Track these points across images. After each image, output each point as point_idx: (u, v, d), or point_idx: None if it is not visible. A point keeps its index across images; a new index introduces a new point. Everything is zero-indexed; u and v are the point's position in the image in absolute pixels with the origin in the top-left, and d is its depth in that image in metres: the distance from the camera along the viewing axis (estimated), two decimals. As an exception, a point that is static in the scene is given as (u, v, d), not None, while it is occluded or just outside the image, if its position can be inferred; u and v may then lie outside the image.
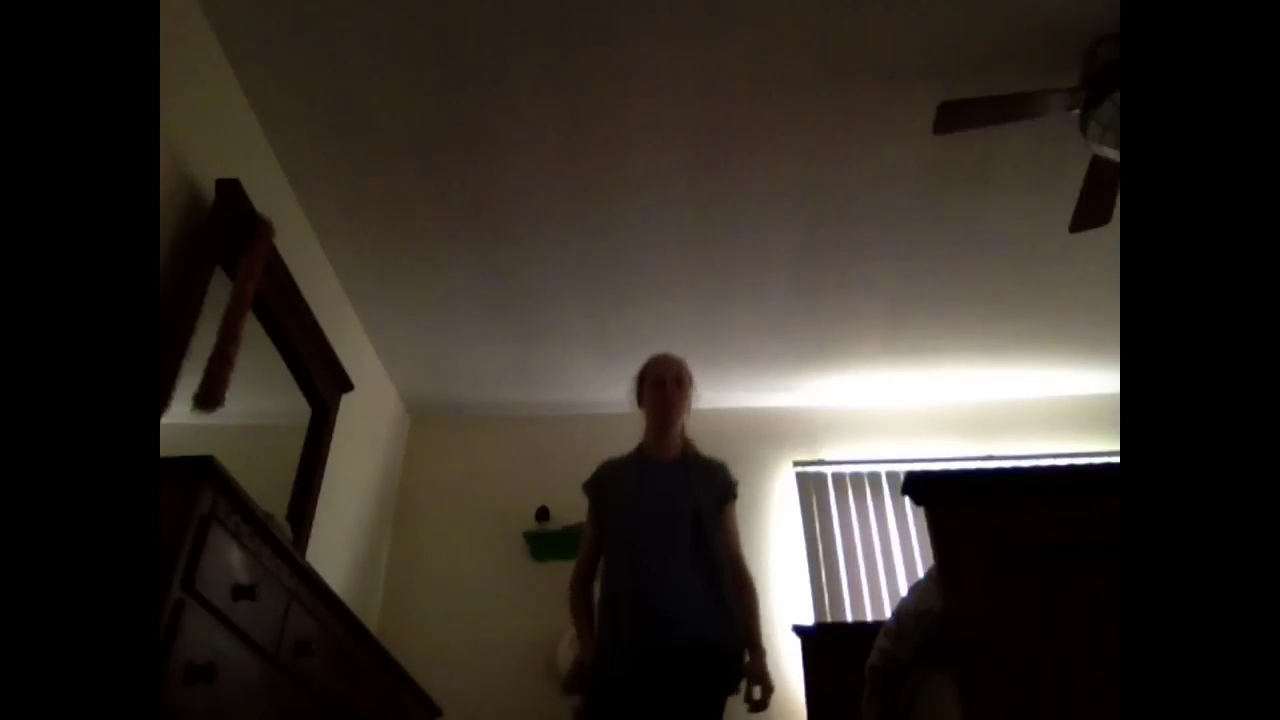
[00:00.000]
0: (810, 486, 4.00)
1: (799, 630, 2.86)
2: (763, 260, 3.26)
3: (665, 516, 2.19)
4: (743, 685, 2.12)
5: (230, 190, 2.29)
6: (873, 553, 3.79)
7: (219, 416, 2.13)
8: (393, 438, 4.03)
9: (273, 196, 2.70)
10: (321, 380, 2.98)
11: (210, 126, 2.35)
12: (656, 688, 2.03)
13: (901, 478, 1.41)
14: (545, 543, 3.71)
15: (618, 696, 2.08)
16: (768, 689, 2.06)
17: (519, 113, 2.61)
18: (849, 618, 3.60)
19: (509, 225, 3.06)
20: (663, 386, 2.38)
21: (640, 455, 2.40)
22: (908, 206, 3.01)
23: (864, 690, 1.70)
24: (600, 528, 2.32)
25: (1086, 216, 2.75)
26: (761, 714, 2.11)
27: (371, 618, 3.58)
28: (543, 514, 3.74)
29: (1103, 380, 4.04)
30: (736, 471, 2.40)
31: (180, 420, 2.03)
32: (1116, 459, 2.99)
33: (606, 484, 2.37)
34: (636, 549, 2.17)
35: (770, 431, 4.02)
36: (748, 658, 2.15)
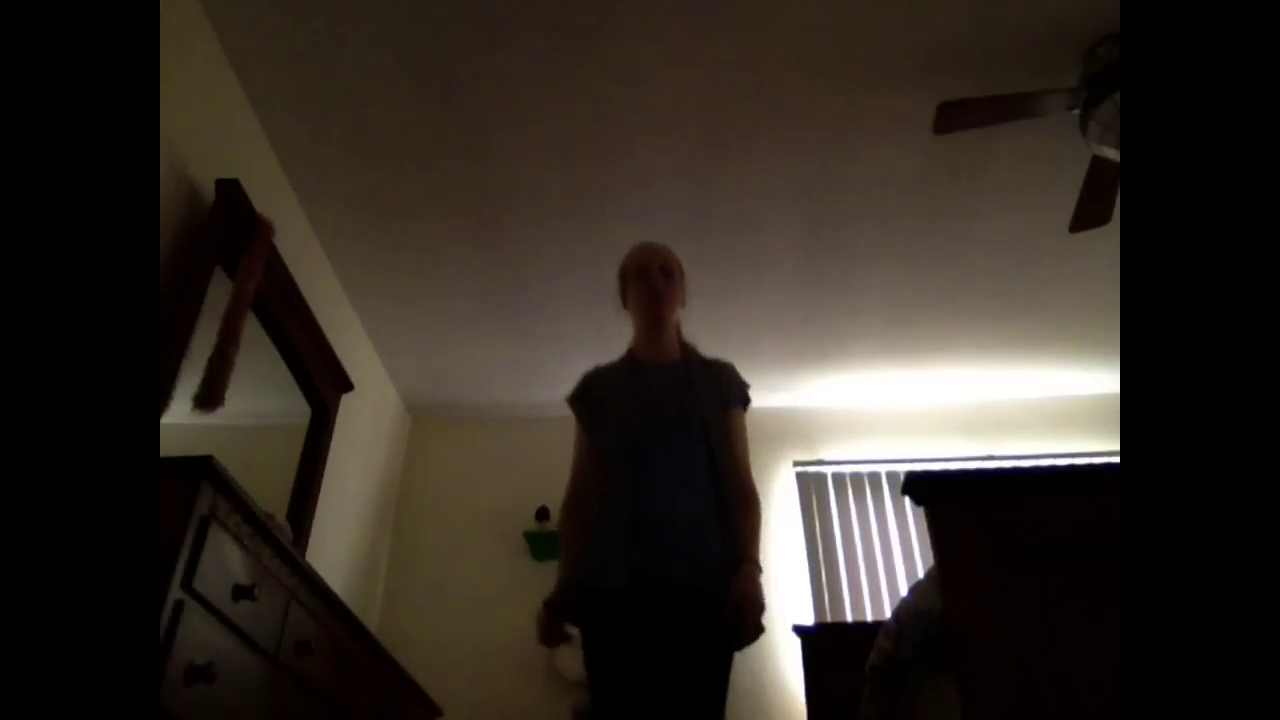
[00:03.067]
0: (810, 486, 4.00)
1: (799, 630, 2.86)
2: (762, 260, 3.26)
3: (669, 430, 1.89)
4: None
5: (230, 190, 2.29)
6: (873, 553, 3.79)
7: (219, 416, 2.13)
8: (393, 438, 4.03)
9: (273, 196, 2.70)
10: (321, 380, 2.98)
11: (210, 126, 2.35)
12: (656, 619, 1.71)
13: (901, 478, 1.40)
14: (545, 543, 3.71)
15: (616, 615, 1.73)
16: (756, 606, 1.69)
17: (519, 113, 2.61)
18: (849, 618, 3.60)
19: (509, 225, 3.06)
20: (647, 277, 2.03)
21: (632, 360, 2.05)
22: (908, 206, 3.01)
23: (864, 690, 1.70)
24: (592, 446, 1.98)
25: (1086, 216, 2.75)
26: (761, 707, 2.01)
27: (371, 618, 3.58)
28: (543, 514, 3.74)
29: (1103, 380, 4.04)
30: None
31: (180, 420, 2.04)
32: (1116, 459, 2.99)
33: (596, 396, 2.03)
34: (637, 469, 1.84)
35: (770, 431, 4.02)
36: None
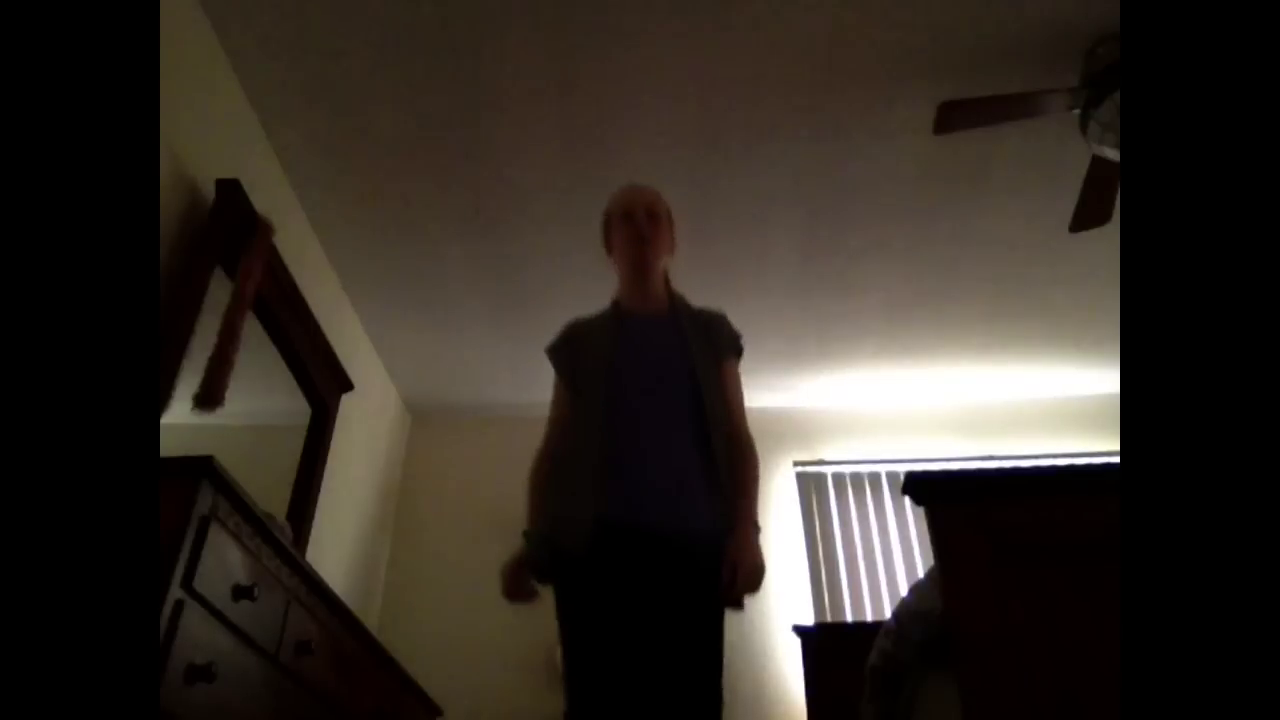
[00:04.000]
0: (810, 486, 4.00)
1: (799, 630, 2.87)
2: (763, 260, 3.26)
3: (653, 379, 1.77)
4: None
5: (230, 190, 2.30)
6: (873, 553, 3.79)
7: (219, 416, 2.13)
8: (393, 438, 4.03)
9: (273, 196, 2.70)
10: (321, 380, 2.98)
11: (210, 126, 2.35)
12: (631, 573, 1.58)
13: (901, 478, 1.40)
14: (545, 543, 3.70)
15: (586, 575, 1.60)
16: (756, 568, 1.57)
17: (519, 113, 2.61)
18: (849, 618, 3.60)
19: (509, 225, 3.06)
20: (633, 221, 1.89)
21: (617, 311, 1.92)
22: (908, 206, 3.01)
23: (864, 690, 1.70)
24: (570, 397, 1.86)
25: (1086, 216, 2.75)
26: (761, 707, 1.94)
27: (371, 618, 3.58)
28: (543, 514, 3.74)
29: (1103, 380, 4.04)
30: None
31: (180, 420, 2.04)
32: (1116, 459, 2.99)
33: (577, 345, 1.90)
34: (614, 418, 1.71)
35: (770, 431, 4.01)
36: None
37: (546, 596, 1.72)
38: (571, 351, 1.91)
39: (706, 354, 1.82)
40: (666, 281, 1.96)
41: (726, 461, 1.71)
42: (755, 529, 1.63)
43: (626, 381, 1.76)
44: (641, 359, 1.80)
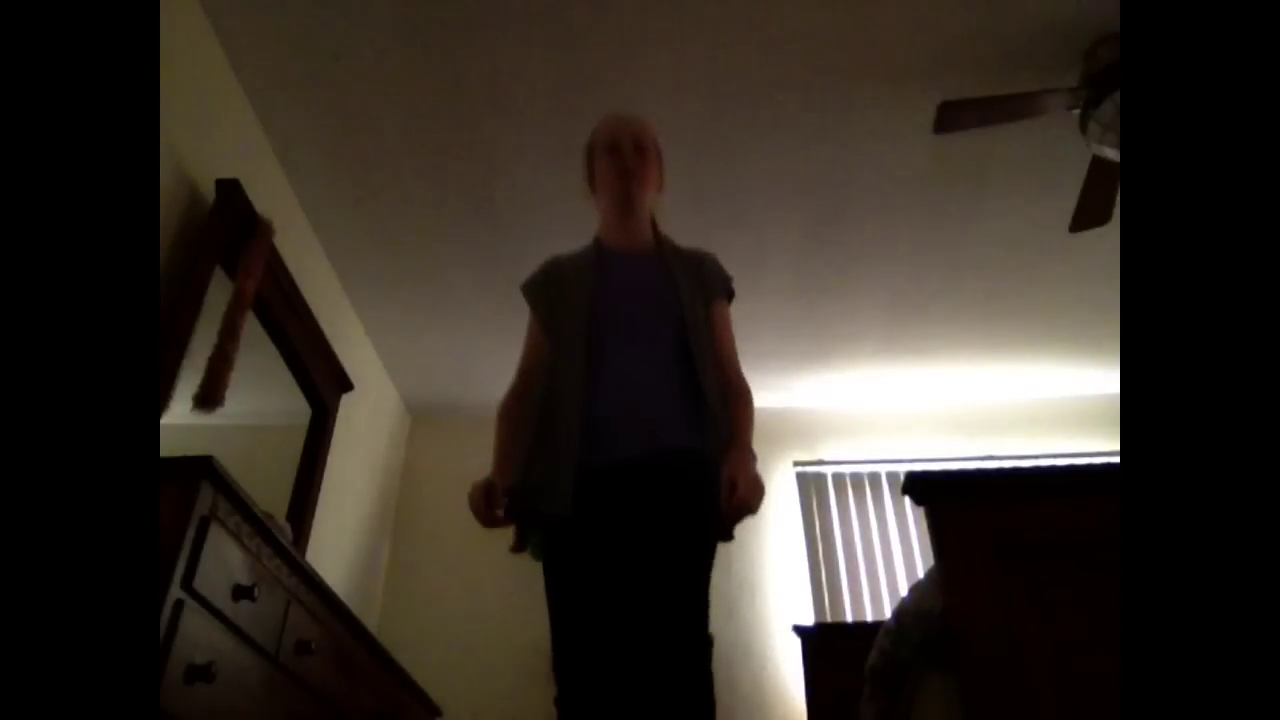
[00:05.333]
0: (810, 486, 4.00)
1: (799, 630, 2.87)
2: (762, 259, 3.26)
3: (635, 318, 1.66)
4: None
5: (230, 190, 2.30)
6: (873, 553, 3.79)
7: (219, 416, 2.13)
8: (393, 438, 4.03)
9: (273, 196, 2.70)
10: (321, 380, 2.98)
11: (210, 126, 2.35)
12: (614, 518, 1.48)
13: (901, 478, 1.40)
14: (545, 543, 3.70)
15: (566, 535, 1.52)
16: (756, 482, 1.47)
17: (520, 113, 2.61)
18: (849, 618, 3.60)
19: (509, 225, 3.06)
20: (618, 153, 1.77)
21: (599, 249, 1.80)
22: (908, 206, 3.01)
23: (864, 690, 1.70)
24: (546, 337, 1.73)
25: (1086, 216, 2.75)
26: (761, 707, 1.88)
27: (371, 618, 3.58)
28: (543, 514, 3.73)
29: (1103, 380, 4.04)
30: None
31: (180, 420, 2.04)
32: (1116, 459, 2.99)
33: (556, 282, 1.78)
34: (592, 360, 1.60)
35: (770, 431, 4.01)
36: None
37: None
38: (549, 289, 1.78)
39: (695, 293, 1.70)
40: (653, 222, 1.83)
41: (719, 405, 1.60)
42: (752, 455, 1.53)
43: (609, 321, 1.65)
44: (625, 297, 1.69)
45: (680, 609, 1.38)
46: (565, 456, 1.53)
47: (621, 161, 1.77)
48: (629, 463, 1.52)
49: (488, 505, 1.56)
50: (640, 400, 1.57)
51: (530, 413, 1.65)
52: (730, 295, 1.80)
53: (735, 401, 1.64)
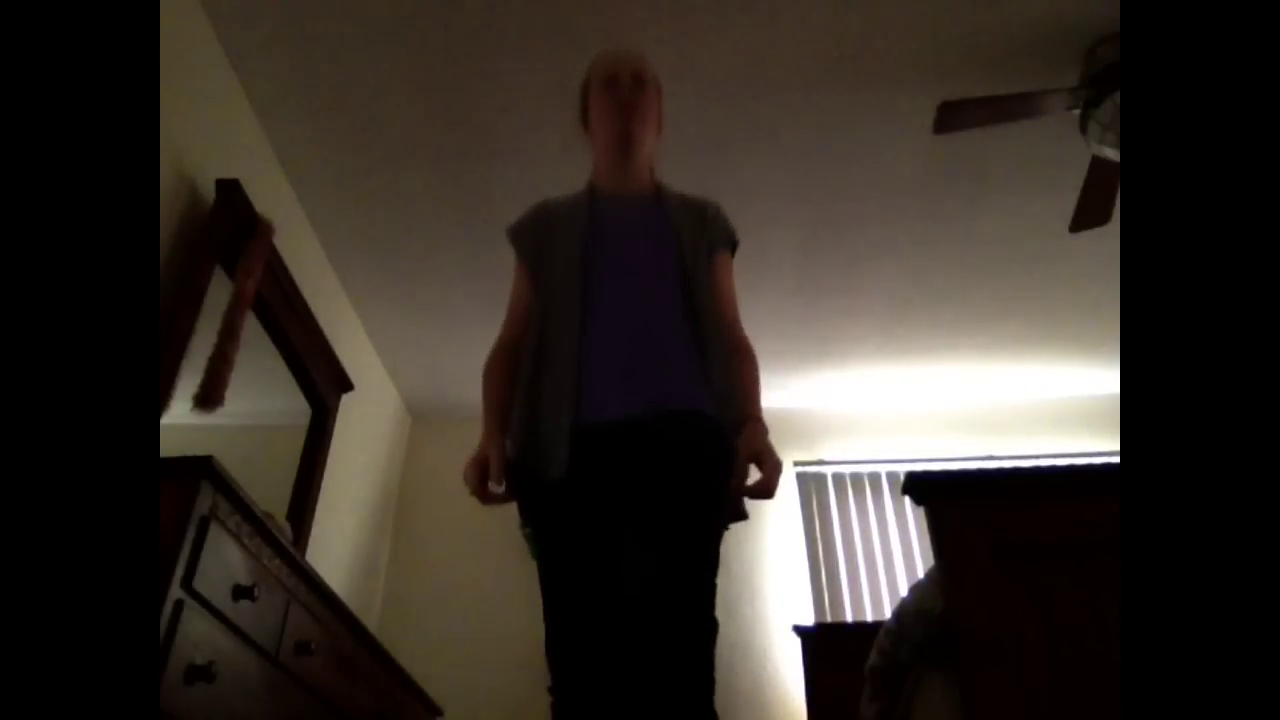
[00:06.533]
0: (810, 486, 4.00)
1: (799, 630, 2.87)
2: (763, 260, 3.26)
3: (630, 263, 1.53)
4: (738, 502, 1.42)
5: (230, 190, 2.30)
6: (873, 553, 3.79)
7: (219, 416, 2.13)
8: (393, 438, 4.03)
9: (273, 196, 2.70)
10: (321, 380, 2.98)
11: (210, 126, 2.35)
12: (614, 494, 1.36)
13: (901, 478, 1.40)
14: (545, 543, 3.70)
15: (562, 503, 1.37)
16: (774, 464, 1.35)
17: (519, 113, 2.61)
18: (849, 618, 3.60)
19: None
20: (617, 88, 1.63)
21: (592, 192, 1.67)
22: (908, 206, 3.01)
23: (864, 690, 1.70)
24: (534, 284, 1.59)
25: (1086, 216, 2.75)
26: (761, 707, 1.80)
27: (371, 618, 3.58)
28: (543, 514, 3.73)
29: (1103, 380, 4.04)
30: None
31: (180, 420, 2.04)
32: (1116, 459, 2.98)
33: (545, 226, 1.64)
34: (589, 302, 1.48)
35: (770, 431, 4.01)
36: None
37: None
38: (538, 233, 1.64)
39: (698, 241, 1.58)
40: (651, 166, 1.70)
41: (722, 361, 1.48)
42: (765, 428, 1.41)
43: (603, 266, 1.52)
44: (621, 241, 1.56)
45: (686, 592, 1.27)
46: (557, 414, 1.39)
47: (620, 94, 1.63)
48: (631, 421, 1.37)
49: (483, 479, 1.42)
50: (640, 351, 1.43)
51: (519, 370, 1.50)
52: (733, 247, 1.67)
53: (742, 361, 1.52)
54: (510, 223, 1.72)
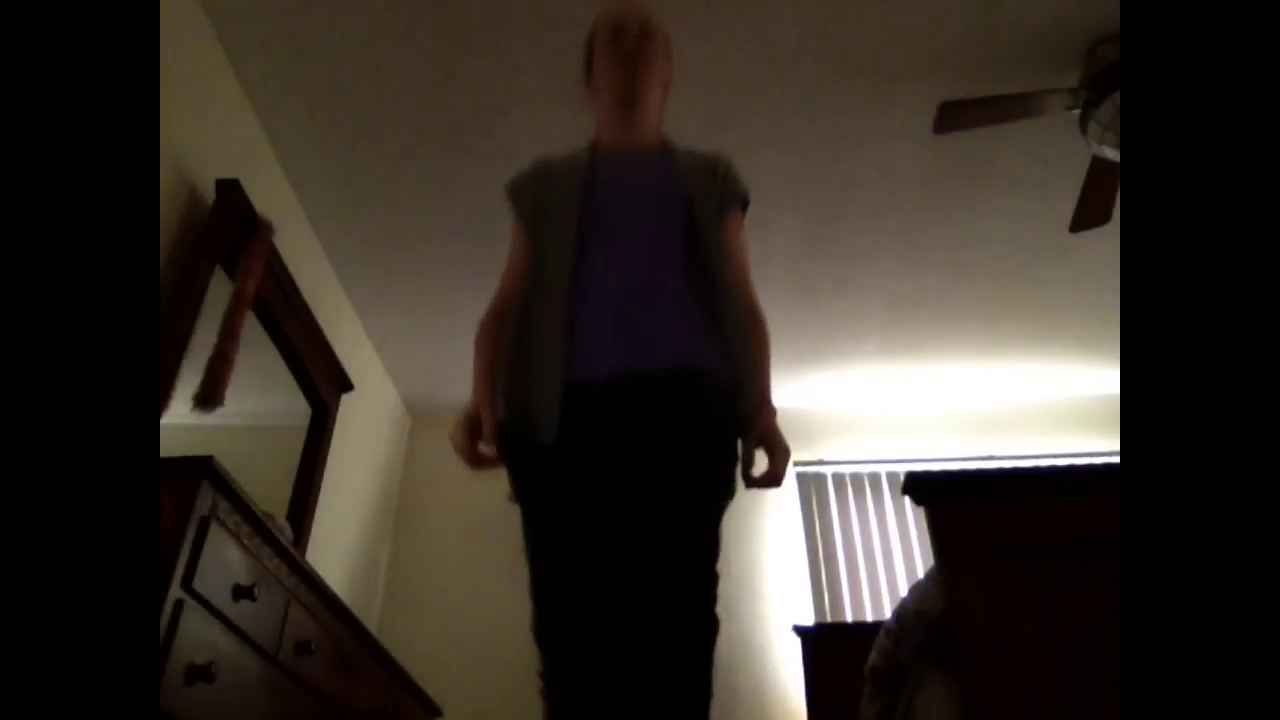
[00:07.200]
0: (810, 486, 4.00)
1: (799, 630, 2.87)
2: (763, 260, 3.26)
3: (635, 211, 1.43)
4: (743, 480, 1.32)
5: (230, 190, 2.30)
6: (873, 553, 3.79)
7: (219, 416, 2.13)
8: (393, 438, 4.03)
9: (273, 196, 2.70)
10: (321, 380, 2.98)
11: (210, 126, 2.35)
12: (611, 459, 1.25)
13: (901, 478, 1.40)
14: (545, 543, 3.70)
15: (553, 468, 1.27)
16: (784, 451, 1.29)
17: (520, 113, 2.61)
18: (849, 618, 3.60)
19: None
20: (622, 38, 1.55)
21: (595, 148, 1.57)
22: (908, 206, 3.01)
23: (864, 690, 1.70)
24: (532, 240, 1.49)
25: (1086, 216, 2.75)
26: (761, 707, 1.73)
27: (371, 618, 3.58)
28: (543, 514, 3.72)
29: (1103, 380, 4.04)
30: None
31: (180, 420, 2.04)
32: (1116, 459, 2.98)
33: (544, 181, 1.54)
34: (585, 256, 1.37)
35: (770, 431, 4.01)
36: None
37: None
38: (536, 188, 1.53)
39: (709, 196, 1.47)
40: (658, 123, 1.62)
41: (732, 320, 1.37)
42: (774, 410, 1.34)
43: (603, 215, 1.42)
44: (622, 195, 1.46)
45: (682, 582, 1.18)
46: (548, 372, 1.28)
47: (625, 44, 1.54)
48: (628, 378, 1.27)
49: (471, 441, 1.33)
50: (639, 305, 1.32)
51: (513, 334, 1.40)
52: (745, 206, 1.57)
53: (755, 329, 1.40)
54: (508, 179, 1.61)
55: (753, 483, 1.30)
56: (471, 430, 1.34)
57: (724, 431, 1.28)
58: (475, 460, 1.34)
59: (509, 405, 1.34)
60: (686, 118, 2.64)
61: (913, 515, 3.82)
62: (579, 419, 1.26)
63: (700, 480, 1.23)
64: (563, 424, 1.24)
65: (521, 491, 1.33)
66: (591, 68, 1.63)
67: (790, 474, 3.98)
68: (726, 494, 1.27)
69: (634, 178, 1.49)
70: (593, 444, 1.26)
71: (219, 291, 2.23)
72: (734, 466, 1.29)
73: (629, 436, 1.25)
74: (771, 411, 1.33)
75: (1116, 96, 2.29)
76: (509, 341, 1.39)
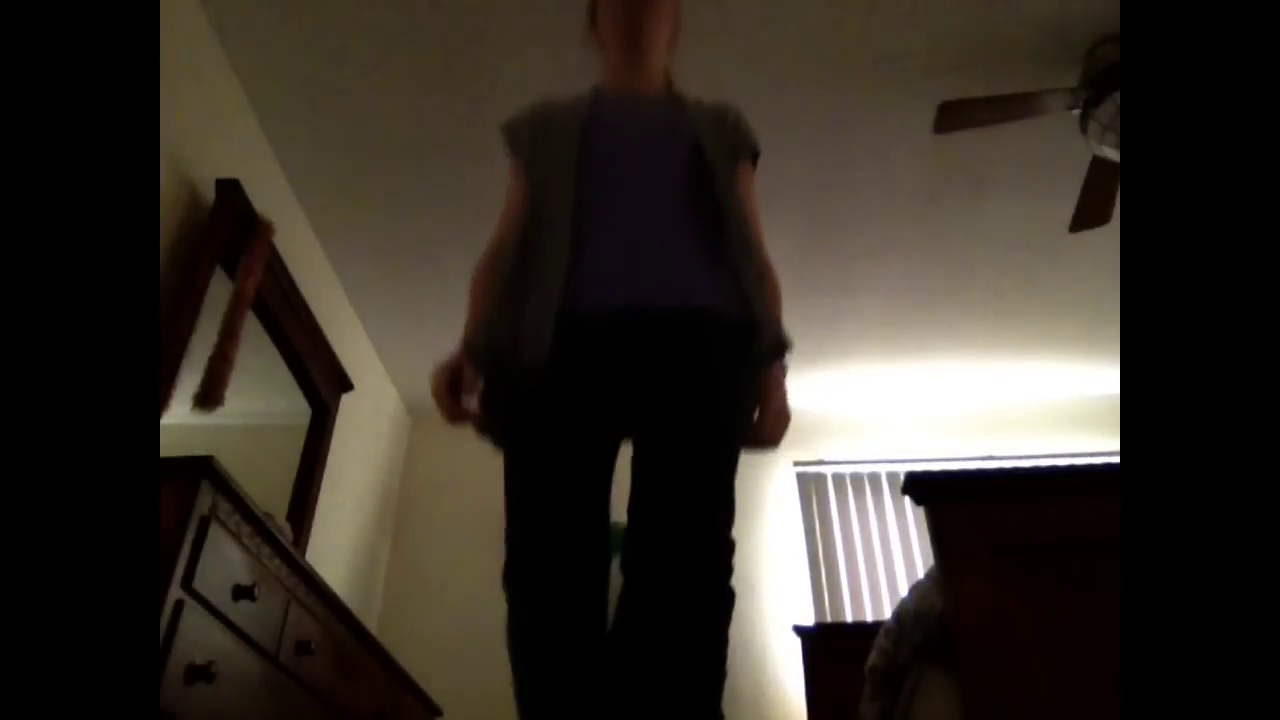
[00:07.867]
0: (810, 486, 4.00)
1: (799, 630, 2.87)
2: (763, 260, 3.27)
3: (641, 151, 1.35)
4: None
5: (230, 190, 2.30)
6: (873, 553, 3.79)
7: (219, 416, 2.13)
8: (393, 438, 4.03)
9: (273, 196, 2.70)
10: (321, 380, 2.98)
11: (210, 126, 2.35)
12: (602, 397, 1.16)
13: (901, 478, 1.40)
14: (545, 543, 3.70)
15: (536, 416, 1.16)
16: (783, 415, 1.24)
17: (519, 113, 2.61)
18: (849, 618, 3.60)
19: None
20: None
21: (598, 91, 1.48)
22: (908, 206, 3.01)
23: (864, 690, 1.70)
24: (530, 181, 1.37)
25: (1086, 216, 2.75)
26: (761, 707, 1.71)
27: (371, 618, 3.58)
28: (543, 514, 3.72)
29: (1103, 380, 4.04)
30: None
31: (180, 420, 2.04)
32: (1116, 459, 2.98)
33: (543, 125, 1.43)
34: (587, 194, 1.28)
35: (770, 431, 4.01)
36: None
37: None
38: (534, 128, 1.43)
39: (719, 143, 1.39)
40: (667, 71, 1.54)
41: (744, 262, 1.28)
42: (784, 369, 1.27)
43: (604, 159, 1.33)
44: (626, 136, 1.37)
45: (697, 539, 1.08)
46: (544, 303, 1.17)
47: None
48: (631, 312, 1.17)
49: (452, 390, 1.25)
50: (649, 239, 1.24)
51: (506, 271, 1.30)
52: (756, 157, 1.51)
53: (762, 284, 1.31)
54: (505, 119, 1.50)
55: (749, 441, 1.23)
56: (452, 379, 1.25)
57: (738, 370, 1.19)
58: (455, 414, 1.26)
59: (495, 335, 1.22)
60: (686, 118, 2.65)
61: (913, 515, 3.82)
62: (575, 353, 1.15)
63: (713, 425, 1.13)
64: (558, 356, 1.12)
65: (506, 427, 1.21)
66: (596, 14, 1.55)
67: (790, 474, 3.99)
68: (739, 443, 1.19)
69: (639, 121, 1.41)
70: (587, 382, 1.16)
71: (219, 291, 2.23)
72: (749, 413, 1.22)
73: (633, 374, 1.16)
74: (781, 371, 1.26)
75: (1116, 96, 2.29)
76: (503, 278, 1.27)
